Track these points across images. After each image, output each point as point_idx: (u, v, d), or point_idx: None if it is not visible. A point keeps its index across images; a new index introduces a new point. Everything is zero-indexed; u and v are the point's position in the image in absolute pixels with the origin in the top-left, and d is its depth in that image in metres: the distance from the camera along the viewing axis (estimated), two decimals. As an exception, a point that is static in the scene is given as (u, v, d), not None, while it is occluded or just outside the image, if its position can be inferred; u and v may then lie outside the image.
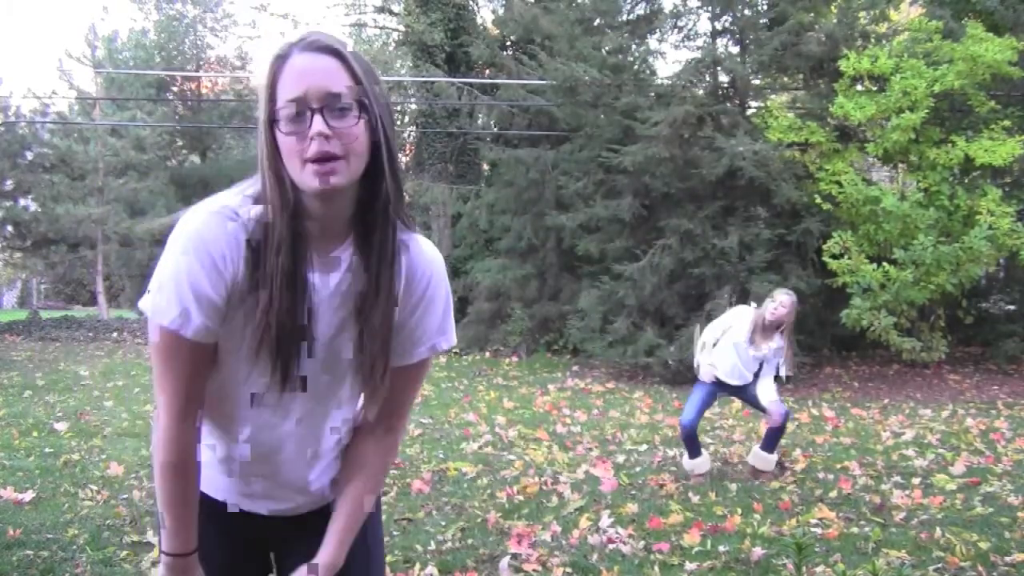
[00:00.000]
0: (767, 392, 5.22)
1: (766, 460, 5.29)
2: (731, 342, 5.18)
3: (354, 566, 1.49)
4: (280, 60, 1.27)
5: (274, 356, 1.31)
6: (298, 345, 1.33)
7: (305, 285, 1.31)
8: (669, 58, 35.08)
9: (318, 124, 1.23)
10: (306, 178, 1.24)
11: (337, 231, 1.34)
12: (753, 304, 5.41)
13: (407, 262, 1.38)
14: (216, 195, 1.32)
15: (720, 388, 5.30)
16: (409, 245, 1.39)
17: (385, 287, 1.34)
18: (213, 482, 1.48)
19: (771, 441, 5.28)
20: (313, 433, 1.45)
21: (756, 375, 5.25)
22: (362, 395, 1.47)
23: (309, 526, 1.53)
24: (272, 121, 1.26)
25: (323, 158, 1.23)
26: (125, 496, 4.68)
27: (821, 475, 5.33)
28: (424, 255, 1.41)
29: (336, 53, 1.27)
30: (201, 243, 1.26)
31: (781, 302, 5.12)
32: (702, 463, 5.31)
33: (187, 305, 1.26)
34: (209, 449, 1.44)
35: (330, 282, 1.34)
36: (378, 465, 1.50)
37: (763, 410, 5.28)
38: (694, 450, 5.29)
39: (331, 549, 1.44)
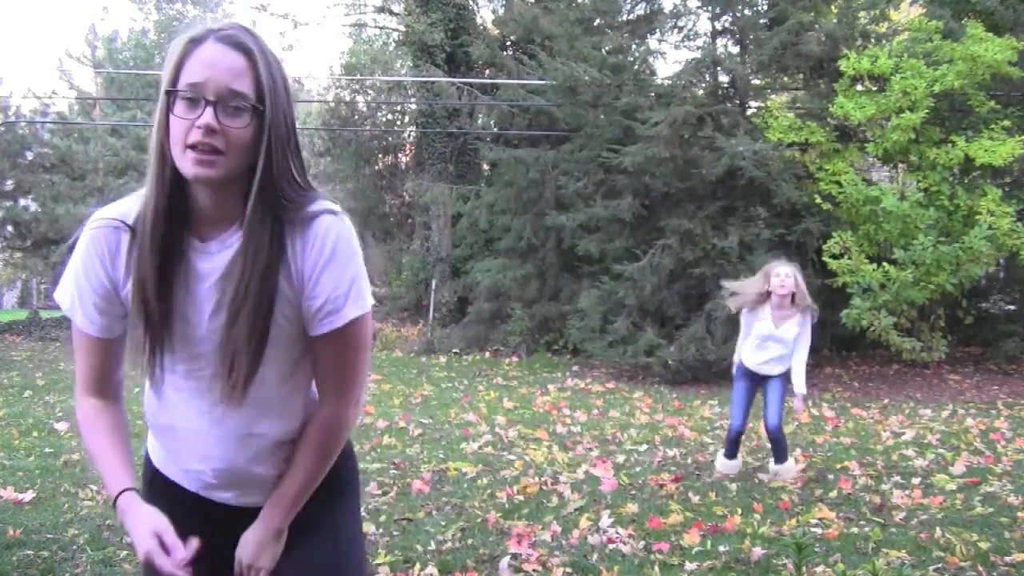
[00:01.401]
0: (773, 399, 5.20)
1: (785, 470, 5.28)
2: (756, 335, 5.14)
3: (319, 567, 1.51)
4: (192, 44, 1.30)
5: (145, 336, 1.37)
6: (169, 326, 1.37)
7: (179, 263, 1.36)
8: (669, 58, 35.16)
9: (207, 117, 1.27)
10: (185, 163, 1.29)
11: (226, 217, 1.37)
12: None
13: (301, 242, 1.38)
14: (116, 202, 1.41)
15: (751, 379, 5.24)
16: (303, 219, 1.38)
17: (254, 281, 1.35)
18: (170, 467, 1.55)
19: (778, 453, 5.28)
20: (229, 434, 1.45)
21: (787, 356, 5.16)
22: (301, 406, 1.49)
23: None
24: (169, 98, 1.29)
25: (203, 148, 1.27)
26: (125, 496, 4.67)
27: (821, 475, 5.33)
28: (316, 225, 1.38)
29: (247, 53, 1.30)
30: (86, 251, 1.39)
31: (784, 275, 5.06)
32: (733, 466, 5.34)
33: (75, 298, 1.41)
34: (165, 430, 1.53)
35: (215, 264, 1.37)
36: (319, 439, 1.47)
37: (764, 410, 5.25)
38: (732, 452, 5.33)
39: (267, 513, 1.47)
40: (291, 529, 1.49)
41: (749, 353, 5.21)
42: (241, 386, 1.38)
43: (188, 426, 1.46)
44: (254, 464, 1.48)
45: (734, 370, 5.38)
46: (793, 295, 5.07)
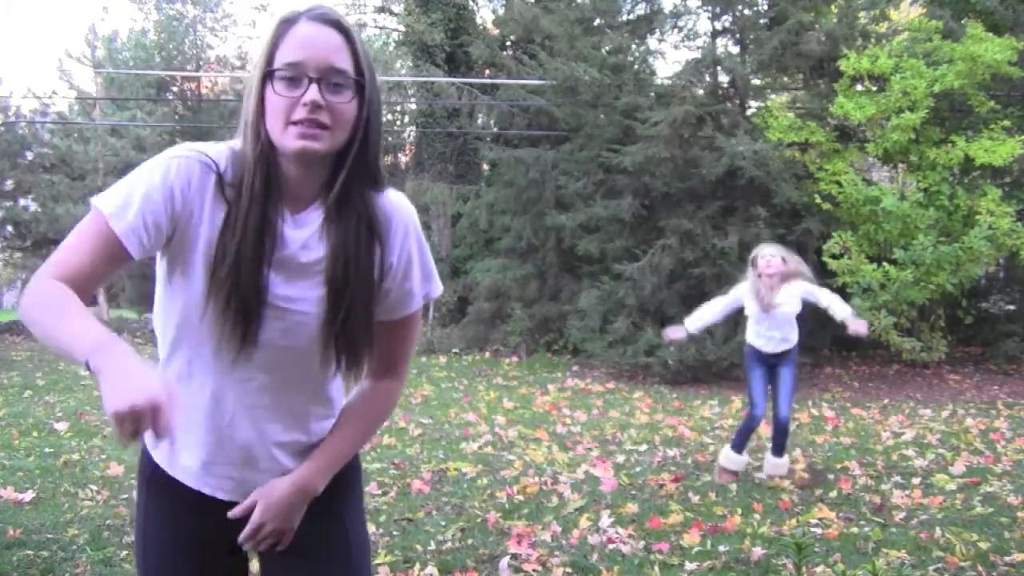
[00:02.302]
0: (784, 390, 5.16)
1: (776, 465, 5.28)
2: (752, 318, 5.15)
3: (334, 560, 1.49)
4: (286, 24, 1.30)
5: (235, 309, 1.30)
6: (261, 300, 1.32)
7: (275, 237, 1.33)
8: (669, 58, 35.22)
9: (312, 93, 1.26)
10: (287, 139, 1.27)
11: (310, 194, 1.36)
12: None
13: (383, 219, 1.39)
14: (203, 143, 1.36)
15: (763, 363, 5.18)
16: (382, 203, 1.40)
17: (363, 255, 1.36)
18: (174, 457, 1.45)
19: (778, 445, 5.26)
20: (271, 413, 1.41)
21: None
22: (337, 384, 1.48)
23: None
24: (265, 78, 1.28)
25: (309, 124, 1.26)
26: (125, 496, 4.68)
27: (825, 473, 5.33)
28: (395, 208, 1.41)
29: (343, 30, 1.31)
30: (167, 169, 1.30)
31: (768, 255, 5.05)
32: (740, 462, 5.28)
33: (130, 204, 1.27)
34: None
35: (300, 238, 1.35)
36: (373, 410, 1.49)
37: (775, 400, 5.20)
38: (742, 445, 5.24)
39: (306, 467, 1.42)
40: (305, 518, 1.47)
41: (753, 332, 5.20)
42: (364, 352, 1.39)
43: (227, 394, 1.38)
44: (277, 440, 1.43)
45: (744, 357, 5.33)
46: (784, 275, 5.05)
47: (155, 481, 1.49)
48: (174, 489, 1.46)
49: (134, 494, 4.78)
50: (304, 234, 1.35)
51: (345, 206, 1.35)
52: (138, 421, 1.05)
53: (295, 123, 1.26)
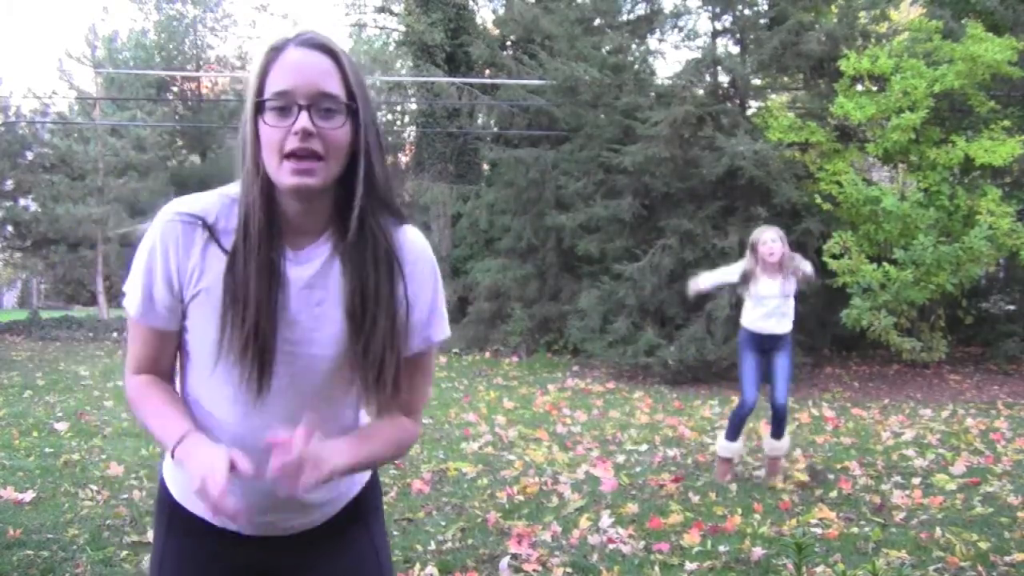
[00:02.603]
0: (781, 376, 5.14)
1: (776, 447, 5.24)
2: (750, 299, 5.12)
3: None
4: (274, 52, 1.27)
5: (249, 354, 1.29)
6: (273, 342, 1.30)
7: (279, 278, 1.30)
8: (669, 58, 35.22)
9: (303, 120, 1.23)
10: (282, 174, 1.25)
11: (313, 228, 1.34)
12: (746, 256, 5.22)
13: (403, 252, 1.36)
14: (191, 196, 1.36)
15: (757, 349, 5.13)
16: (400, 236, 1.37)
17: (384, 286, 1.32)
18: (173, 473, 1.45)
19: (777, 427, 5.22)
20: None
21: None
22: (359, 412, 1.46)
23: (308, 549, 1.46)
24: (257, 110, 1.25)
25: (302, 155, 1.23)
26: (125, 496, 4.68)
27: (823, 473, 5.32)
28: (410, 246, 1.39)
29: (332, 54, 1.27)
30: (153, 243, 1.32)
31: (770, 241, 5.01)
32: (736, 450, 5.26)
33: (144, 294, 1.33)
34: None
35: (303, 275, 1.32)
36: (396, 431, 1.44)
37: (772, 387, 5.18)
38: (736, 433, 5.22)
39: (340, 443, 1.34)
40: (334, 546, 1.47)
41: (750, 313, 5.14)
42: (390, 386, 1.36)
43: (246, 439, 1.34)
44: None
45: (739, 343, 5.26)
46: (784, 259, 5.03)
47: (176, 517, 1.46)
48: (196, 526, 1.44)
49: (135, 494, 4.81)
50: (307, 272, 1.33)
51: (361, 237, 1.31)
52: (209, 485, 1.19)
53: (288, 156, 1.24)
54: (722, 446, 5.29)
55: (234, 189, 1.33)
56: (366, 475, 1.52)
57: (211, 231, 1.31)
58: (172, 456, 1.28)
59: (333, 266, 1.33)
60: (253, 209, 1.28)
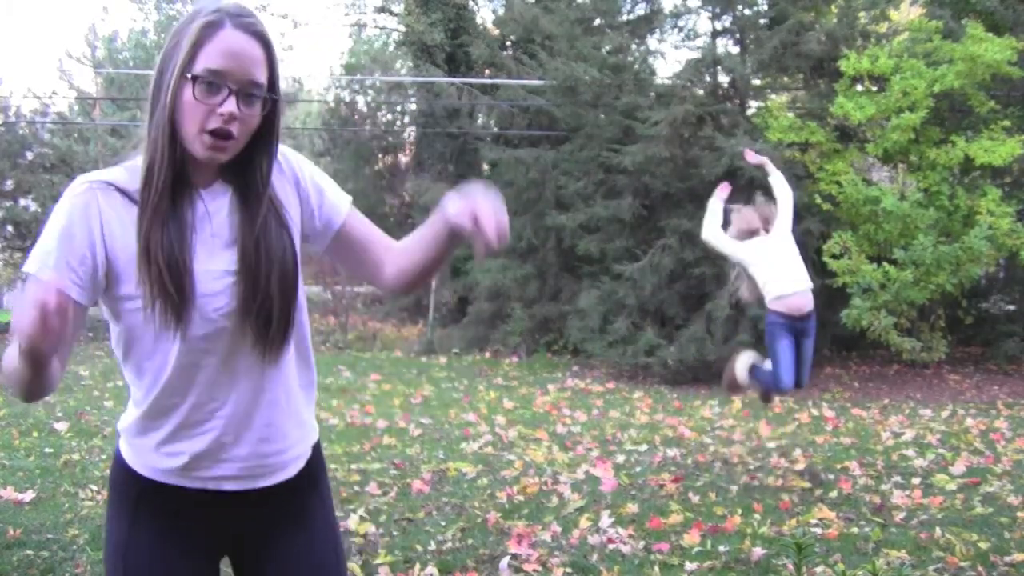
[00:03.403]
0: (807, 362, 5.08)
1: (737, 374, 5.12)
2: (760, 265, 5.17)
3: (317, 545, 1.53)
4: (212, 27, 1.32)
5: (157, 299, 1.33)
6: (188, 280, 1.35)
7: (185, 222, 1.37)
8: (669, 58, 35.01)
9: (230, 105, 1.31)
10: (197, 145, 1.33)
11: (212, 170, 1.42)
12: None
13: (280, 175, 1.48)
14: (94, 171, 1.42)
15: (790, 332, 4.99)
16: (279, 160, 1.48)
17: (275, 240, 1.41)
18: (168, 459, 1.45)
19: (761, 376, 5.07)
20: (244, 382, 1.44)
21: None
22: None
23: (273, 518, 1.50)
24: (183, 75, 1.31)
25: (221, 135, 1.32)
26: (125, 496, 4.67)
27: (821, 475, 5.33)
28: (293, 160, 1.51)
29: (265, 43, 1.36)
30: (71, 209, 1.35)
31: (740, 213, 5.28)
32: (747, 383, 5.11)
33: (51, 255, 1.33)
34: (135, 406, 1.48)
35: (221, 209, 1.41)
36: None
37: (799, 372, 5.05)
38: (757, 379, 5.09)
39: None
40: (294, 521, 1.52)
41: (774, 280, 5.08)
42: (281, 337, 1.43)
43: (204, 392, 1.42)
44: (273, 409, 1.48)
45: (769, 328, 5.07)
46: (760, 222, 5.21)
47: (145, 498, 1.47)
48: (169, 500, 1.45)
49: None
50: (220, 205, 1.41)
51: (249, 189, 1.41)
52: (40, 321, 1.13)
53: (209, 132, 1.31)
54: (742, 368, 5.11)
55: (135, 161, 1.39)
56: (315, 432, 1.59)
57: (124, 193, 1.37)
58: (17, 351, 1.20)
59: (233, 212, 1.42)
60: (160, 167, 1.34)
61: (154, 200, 1.34)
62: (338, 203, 1.56)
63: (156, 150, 1.34)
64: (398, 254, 1.56)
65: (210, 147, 1.32)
